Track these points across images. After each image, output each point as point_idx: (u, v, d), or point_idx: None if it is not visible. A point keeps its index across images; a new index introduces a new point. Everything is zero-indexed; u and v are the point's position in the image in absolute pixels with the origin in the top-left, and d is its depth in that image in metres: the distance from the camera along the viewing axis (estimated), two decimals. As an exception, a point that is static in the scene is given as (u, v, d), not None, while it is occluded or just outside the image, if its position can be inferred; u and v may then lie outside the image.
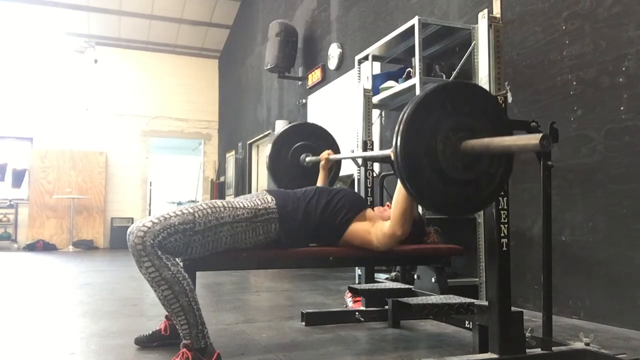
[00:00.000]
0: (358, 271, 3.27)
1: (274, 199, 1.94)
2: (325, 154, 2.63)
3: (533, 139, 1.22)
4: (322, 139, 2.82)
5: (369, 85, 3.60)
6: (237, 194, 9.00)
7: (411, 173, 1.38)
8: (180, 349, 1.64)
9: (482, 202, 1.54)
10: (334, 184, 2.80)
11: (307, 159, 2.76)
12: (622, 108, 2.42)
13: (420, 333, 2.30)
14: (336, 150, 2.81)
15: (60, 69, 9.74)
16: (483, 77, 1.75)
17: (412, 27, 3.20)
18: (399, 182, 1.83)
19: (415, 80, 3.13)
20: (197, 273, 1.83)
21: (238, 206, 1.85)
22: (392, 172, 2.40)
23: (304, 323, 2.40)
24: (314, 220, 1.96)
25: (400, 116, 1.40)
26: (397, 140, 1.38)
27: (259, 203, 1.90)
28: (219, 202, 1.83)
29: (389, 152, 1.93)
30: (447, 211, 1.51)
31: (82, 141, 9.70)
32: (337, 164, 2.81)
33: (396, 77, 3.58)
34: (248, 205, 1.87)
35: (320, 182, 2.63)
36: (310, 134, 2.84)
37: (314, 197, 2.01)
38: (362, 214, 2.01)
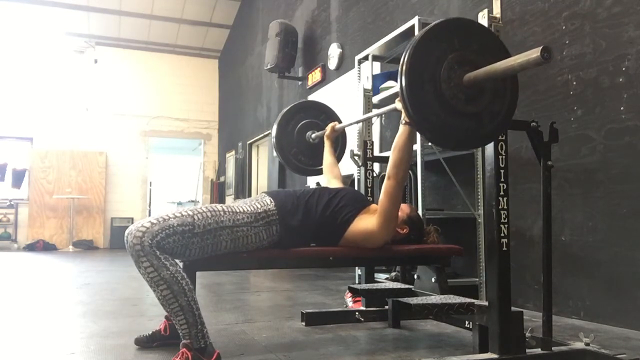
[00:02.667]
0: (358, 271, 3.27)
1: (272, 200, 1.94)
2: (331, 125, 2.62)
3: (533, 53, 1.21)
4: (329, 118, 2.78)
5: (369, 85, 3.61)
6: (237, 194, 9.00)
7: (414, 97, 1.39)
8: (180, 348, 1.65)
9: (482, 138, 1.53)
10: (342, 158, 2.77)
11: (313, 135, 2.75)
12: (622, 108, 2.42)
13: (420, 333, 2.30)
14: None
15: (60, 69, 9.75)
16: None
17: (412, 27, 3.21)
18: (400, 127, 1.85)
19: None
20: (197, 273, 1.84)
21: (238, 210, 1.85)
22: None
23: (304, 323, 2.40)
24: (314, 218, 1.95)
25: (409, 43, 1.43)
26: (404, 63, 1.40)
27: (259, 207, 1.90)
28: (219, 206, 1.83)
29: (395, 102, 1.93)
30: (446, 141, 1.50)
31: (82, 141, 9.71)
32: (343, 139, 2.80)
33: (396, 77, 3.57)
34: (248, 210, 1.87)
35: (326, 155, 2.60)
36: (318, 112, 2.83)
37: (313, 196, 2.01)
38: (363, 212, 2.00)
